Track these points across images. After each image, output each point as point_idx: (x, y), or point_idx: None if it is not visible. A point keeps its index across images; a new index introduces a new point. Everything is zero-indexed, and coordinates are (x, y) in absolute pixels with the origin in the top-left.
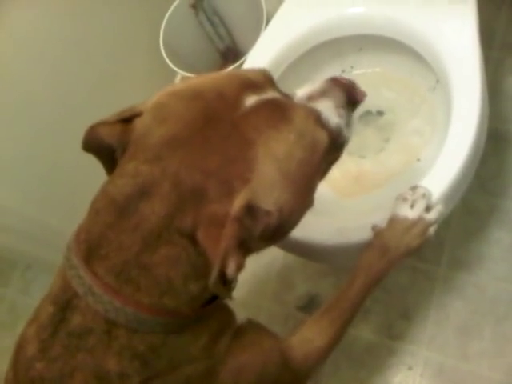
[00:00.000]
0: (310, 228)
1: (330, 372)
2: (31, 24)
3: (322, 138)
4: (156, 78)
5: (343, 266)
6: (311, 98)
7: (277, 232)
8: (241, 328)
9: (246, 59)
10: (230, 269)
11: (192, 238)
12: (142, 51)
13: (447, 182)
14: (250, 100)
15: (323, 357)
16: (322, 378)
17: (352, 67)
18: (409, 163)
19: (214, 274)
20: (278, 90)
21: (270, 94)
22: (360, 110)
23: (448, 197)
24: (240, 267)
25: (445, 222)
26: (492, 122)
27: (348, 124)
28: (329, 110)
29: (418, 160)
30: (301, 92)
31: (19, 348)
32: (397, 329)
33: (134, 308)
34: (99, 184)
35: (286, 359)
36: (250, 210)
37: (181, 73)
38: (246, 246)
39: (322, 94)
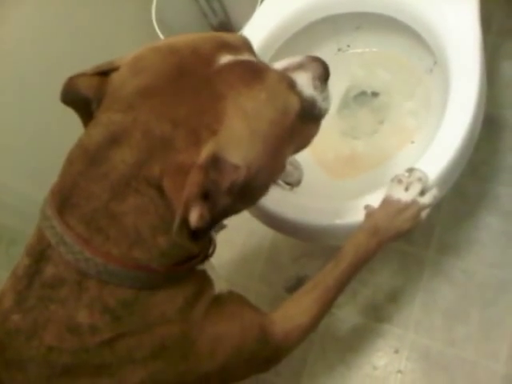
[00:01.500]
0: (304, 209)
1: (317, 354)
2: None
3: (294, 102)
4: None
5: (336, 246)
6: (288, 69)
7: (245, 190)
8: (220, 297)
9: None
10: (193, 217)
11: (159, 188)
12: (135, 25)
13: (442, 166)
14: (225, 59)
15: (304, 334)
16: (308, 360)
17: (348, 46)
18: (403, 145)
19: (177, 220)
20: (255, 56)
21: (246, 56)
22: (355, 90)
23: (442, 181)
24: (203, 217)
25: (435, 206)
26: (486, 106)
27: (325, 97)
28: (303, 80)
29: (412, 142)
30: (278, 63)
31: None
32: (384, 312)
33: (103, 259)
34: None
35: (266, 334)
36: (216, 161)
37: None
38: (212, 200)
39: (299, 66)
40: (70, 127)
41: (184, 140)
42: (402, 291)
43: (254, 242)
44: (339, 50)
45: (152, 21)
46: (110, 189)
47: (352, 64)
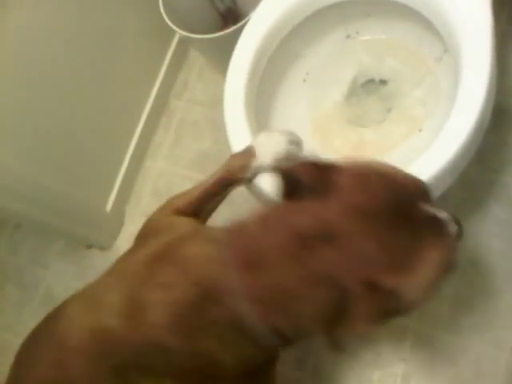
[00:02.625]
0: None
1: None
2: None
3: (454, 260)
4: (155, 36)
5: None
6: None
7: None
8: None
9: (248, 20)
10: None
11: (342, 292)
12: (141, 8)
13: (450, 155)
14: (429, 210)
15: None
16: (313, 348)
17: (357, 33)
18: (411, 134)
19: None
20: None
21: (438, 211)
22: (363, 78)
23: (449, 170)
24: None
25: (442, 196)
26: (495, 95)
27: None
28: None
29: (420, 131)
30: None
31: (141, 307)
32: None
33: (265, 325)
34: (95, 146)
35: None
36: (397, 297)
37: (180, 32)
38: None
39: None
40: (78, 115)
41: (384, 264)
42: None
43: None
44: (348, 36)
45: (159, 5)
46: (301, 276)
47: (360, 51)
